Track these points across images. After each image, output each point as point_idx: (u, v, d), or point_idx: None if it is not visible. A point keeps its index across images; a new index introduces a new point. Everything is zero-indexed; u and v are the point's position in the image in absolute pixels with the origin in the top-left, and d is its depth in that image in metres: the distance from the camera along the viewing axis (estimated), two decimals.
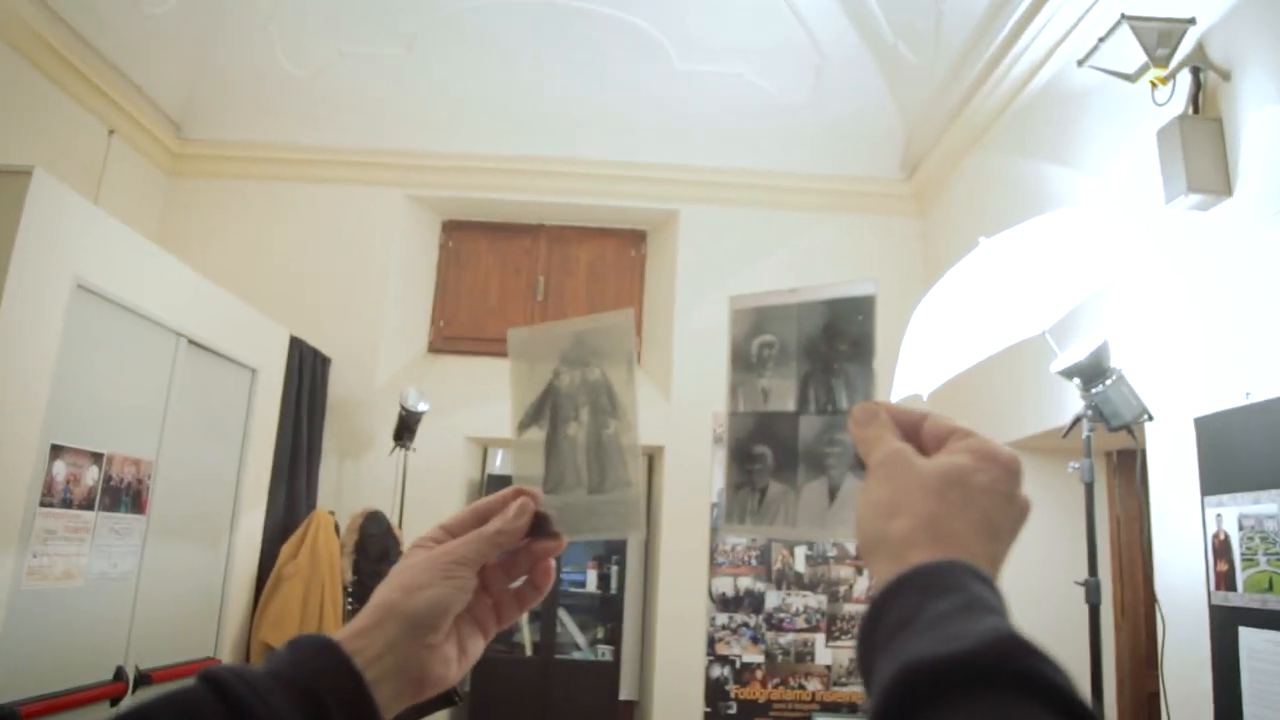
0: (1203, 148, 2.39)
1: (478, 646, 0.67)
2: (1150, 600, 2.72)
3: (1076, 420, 2.38)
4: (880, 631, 0.47)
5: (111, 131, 4.23)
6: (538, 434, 0.70)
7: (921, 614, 0.45)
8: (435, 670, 0.61)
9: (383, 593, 0.61)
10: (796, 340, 0.64)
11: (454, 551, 0.63)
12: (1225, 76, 2.40)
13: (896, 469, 0.54)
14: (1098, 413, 2.28)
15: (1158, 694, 2.49)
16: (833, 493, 0.61)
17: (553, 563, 0.70)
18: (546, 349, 0.70)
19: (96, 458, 2.80)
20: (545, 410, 0.70)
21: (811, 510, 0.62)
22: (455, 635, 0.64)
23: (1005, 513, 0.52)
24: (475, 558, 0.63)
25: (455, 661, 0.64)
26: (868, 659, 0.48)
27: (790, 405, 0.64)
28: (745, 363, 0.66)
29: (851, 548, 4.40)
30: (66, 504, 2.67)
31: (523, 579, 0.69)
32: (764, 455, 0.64)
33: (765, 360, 0.65)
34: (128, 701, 2.90)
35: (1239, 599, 2.16)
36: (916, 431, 0.58)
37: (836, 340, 0.62)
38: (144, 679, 3.00)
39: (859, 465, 0.59)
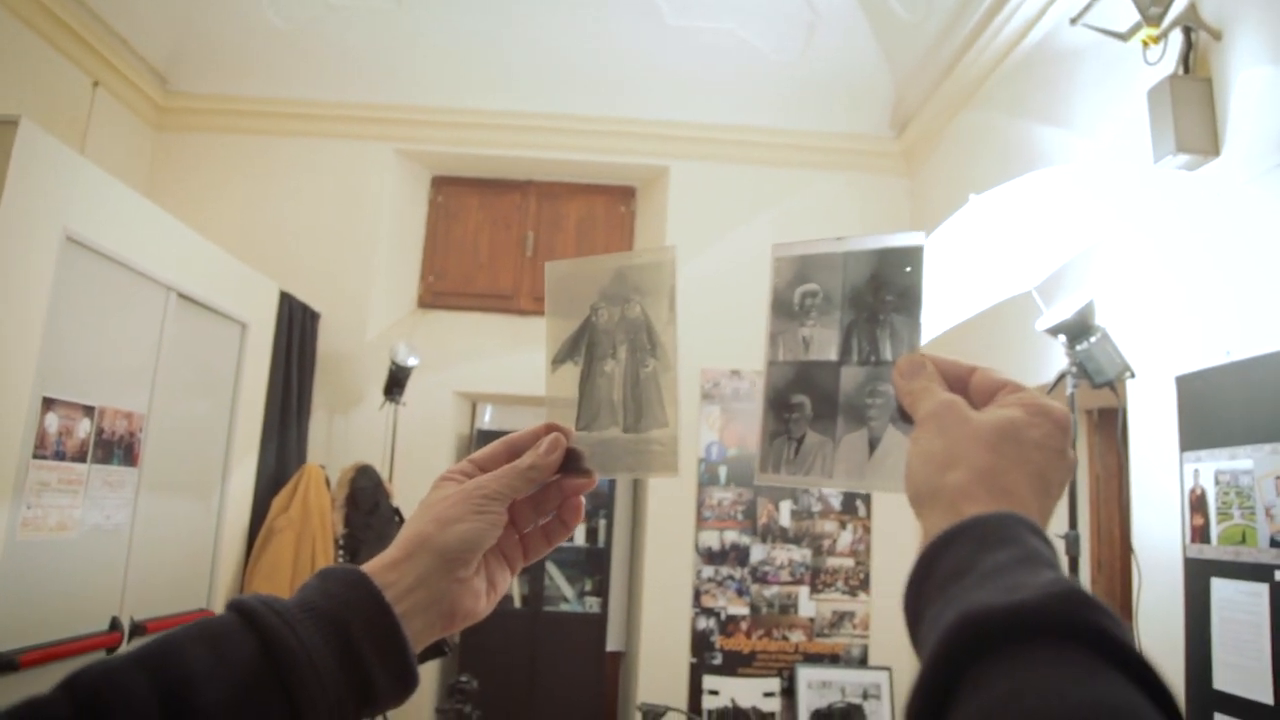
0: (1192, 108, 2.40)
1: (505, 581, 0.66)
2: (1126, 554, 2.78)
3: (1061, 377, 2.42)
4: (932, 580, 0.47)
5: (96, 84, 4.17)
6: (572, 369, 0.69)
7: (978, 564, 0.45)
8: (466, 604, 0.61)
9: (415, 525, 0.60)
10: (841, 289, 0.63)
11: (486, 486, 0.62)
12: (1216, 36, 2.41)
13: (950, 421, 0.54)
14: (1082, 369, 2.32)
15: None
16: (873, 444, 0.61)
17: (583, 499, 0.69)
18: (585, 284, 0.68)
19: (89, 410, 2.81)
20: (581, 346, 0.68)
21: (850, 461, 0.61)
22: (484, 569, 0.64)
23: (1056, 468, 0.52)
24: (507, 492, 0.62)
25: (485, 595, 0.64)
26: (916, 607, 0.48)
27: (832, 355, 0.63)
28: (787, 311, 0.65)
29: (809, 558, 4.45)
30: (59, 456, 2.68)
31: (551, 515, 0.69)
32: (802, 404, 0.64)
33: (808, 309, 0.64)
34: (123, 650, 2.93)
35: (1213, 551, 2.22)
36: (964, 384, 0.57)
37: (883, 290, 0.62)
38: (139, 629, 3.04)
39: (901, 417, 0.59)
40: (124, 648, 2.91)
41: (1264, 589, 2.04)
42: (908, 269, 0.61)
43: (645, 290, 0.67)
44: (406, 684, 0.55)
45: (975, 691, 0.38)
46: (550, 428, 0.66)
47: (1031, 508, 0.50)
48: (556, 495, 0.68)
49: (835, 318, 0.63)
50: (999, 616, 0.40)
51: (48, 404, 2.63)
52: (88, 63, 4.10)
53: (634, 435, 0.66)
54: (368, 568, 0.57)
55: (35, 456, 2.58)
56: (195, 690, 0.47)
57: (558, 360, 0.69)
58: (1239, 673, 2.08)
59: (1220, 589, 2.18)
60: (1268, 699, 1.99)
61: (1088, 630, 0.39)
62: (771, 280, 0.65)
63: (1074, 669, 0.38)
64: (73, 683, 0.46)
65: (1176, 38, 2.51)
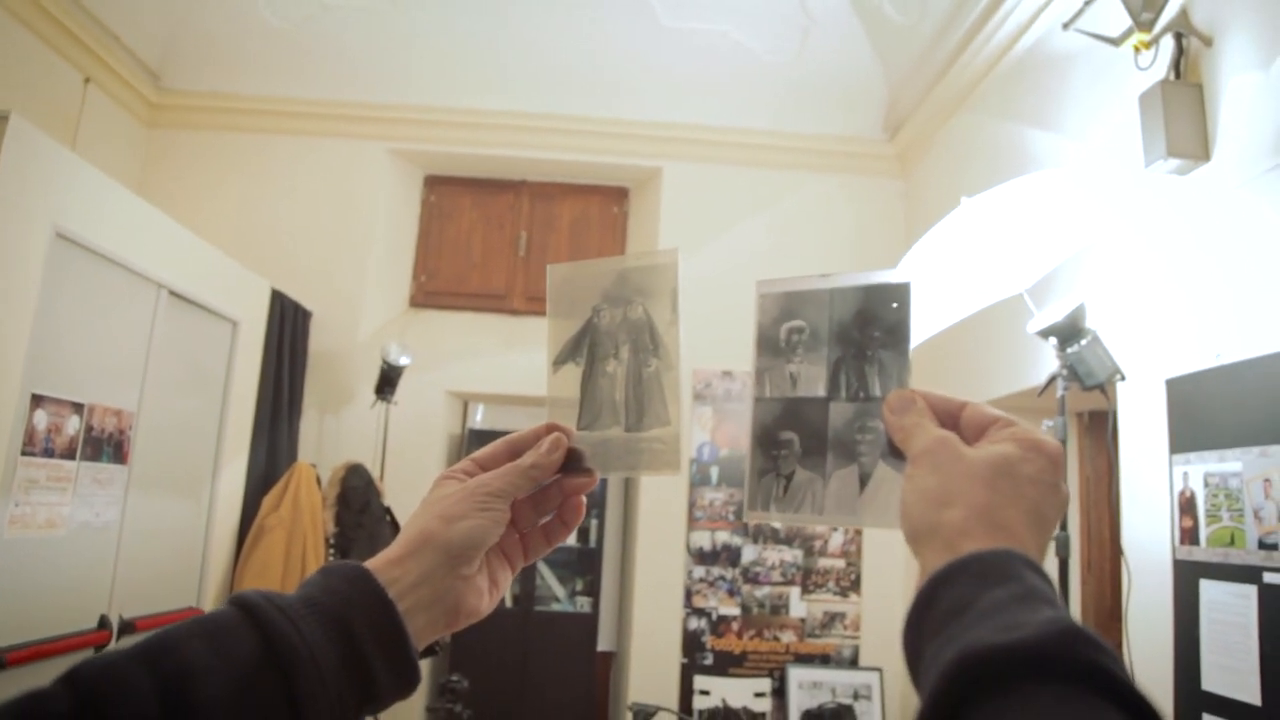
0: (1183, 112, 2.42)
1: (506, 580, 0.67)
2: (1116, 557, 2.80)
3: (1051, 379, 2.43)
4: (932, 617, 0.47)
5: (87, 80, 4.15)
6: (574, 370, 0.69)
7: (978, 601, 0.45)
8: (469, 601, 0.61)
9: (418, 522, 0.60)
10: (828, 325, 0.63)
11: (489, 484, 0.62)
12: (1208, 42, 2.42)
13: (944, 458, 0.54)
14: (1072, 372, 2.33)
15: (1120, 646, 2.57)
16: (863, 480, 0.61)
17: (583, 499, 0.70)
18: (587, 286, 0.69)
19: (78, 408, 2.80)
20: (583, 347, 0.69)
21: (841, 497, 0.61)
22: (486, 568, 0.64)
23: (1050, 503, 0.53)
24: (510, 490, 0.62)
25: (487, 593, 0.64)
26: (916, 644, 0.48)
27: (820, 391, 0.63)
28: (773, 348, 0.65)
29: (800, 559, 4.46)
30: (48, 454, 2.67)
31: (551, 515, 0.69)
32: (790, 441, 0.63)
33: (794, 345, 0.64)
34: (112, 648, 2.92)
35: (1202, 553, 2.23)
36: (955, 419, 0.57)
37: (870, 326, 0.62)
38: (128, 627, 3.03)
39: (891, 453, 0.59)
40: (113, 646, 2.90)
41: (1252, 590, 2.05)
42: (895, 305, 0.61)
43: (648, 291, 0.67)
44: (409, 681, 0.55)
45: None
46: (551, 427, 0.66)
47: (1028, 543, 0.50)
48: (557, 495, 0.68)
49: (822, 354, 0.63)
50: (998, 656, 0.40)
51: (36, 401, 2.61)
52: (79, 59, 4.09)
53: (635, 434, 0.67)
54: (371, 564, 0.57)
55: (24, 453, 2.57)
56: (195, 684, 0.46)
57: (559, 361, 0.70)
58: (1227, 674, 2.09)
59: (1209, 590, 2.19)
60: (1255, 700, 2.00)
61: (1087, 669, 0.39)
62: (756, 317, 0.66)
63: (1073, 709, 0.38)
64: (73, 676, 0.46)
65: (1168, 43, 2.52)
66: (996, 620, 0.43)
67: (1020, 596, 0.44)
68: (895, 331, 0.61)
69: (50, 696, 0.44)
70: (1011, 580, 0.46)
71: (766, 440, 0.64)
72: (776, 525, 4.46)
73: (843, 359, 0.63)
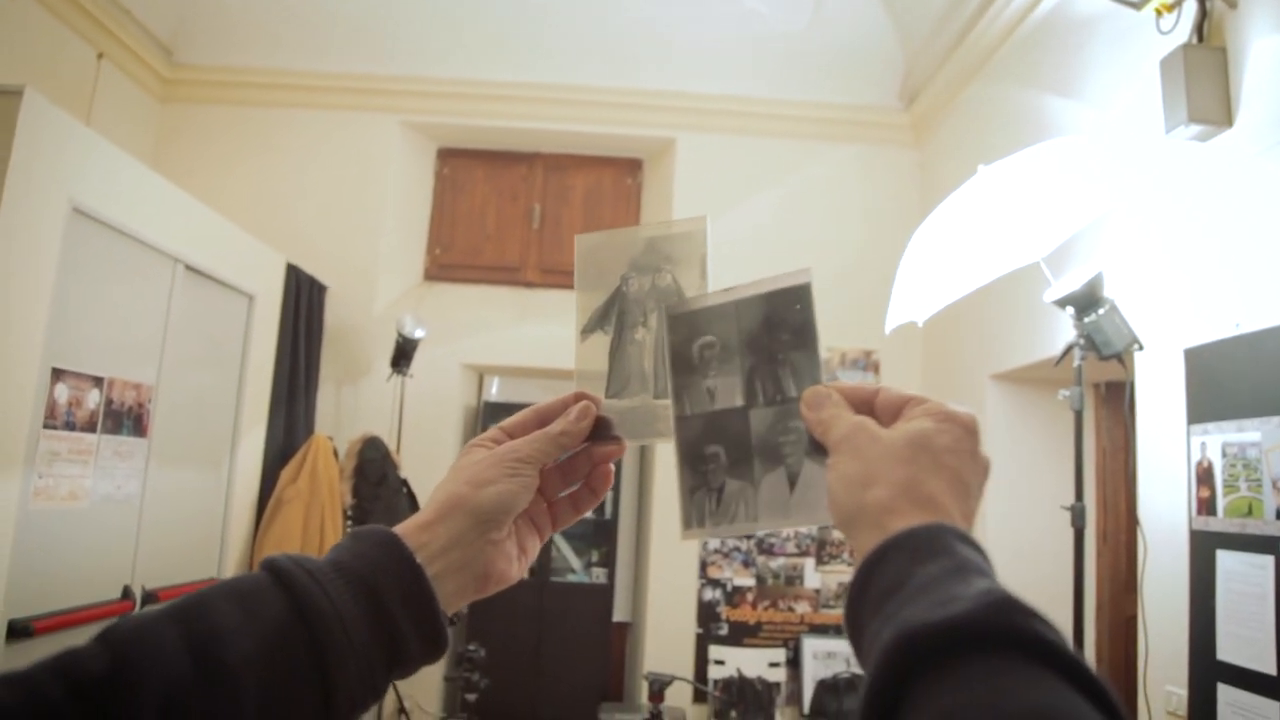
0: (1205, 77, 2.38)
1: (535, 547, 0.67)
2: (1132, 528, 2.79)
3: (1069, 349, 2.41)
4: (868, 598, 0.47)
5: (100, 55, 4.16)
6: (602, 339, 0.69)
7: (911, 578, 0.45)
8: (499, 566, 0.61)
9: (448, 487, 0.61)
10: (737, 336, 0.64)
11: (518, 450, 0.62)
12: (1232, 4, 2.38)
13: (862, 441, 0.55)
14: (1090, 342, 2.32)
15: (1135, 618, 2.57)
16: (792, 480, 0.61)
17: (611, 467, 0.69)
18: (616, 254, 0.69)
19: (97, 381, 2.82)
20: (612, 315, 0.69)
21: (773, 500, 0.62)
22: (514, 535, 0.64)
23: (972, 470, 0.53)
24: (539, 457, 0.63)
25: (516, 560, 0.64)
26: (857, 625, 0.48)
27: (738, 401, 0.64)
28: (687, 366, 0.66)
29: (815, 530, 4.46)
30: (69, 427, 2.70)
31: (578, 484, 0.69)
32: (717, 454, 0.64)
33: (708, 360, 0.65)
34: None
35: (1219, 524, 2.23)
36: (870, 406, 0.58)
37: (778, 331, 0.63)
38: (150, 598, 3.08)
39: (816, 450, 0.60)
40: None
41: (1269, 561, 2.04)
42: (798, 306, 0.62)
43: (677, 259, 0.67)
44: (437, 645, 0.55)
45: (914, 713, 0.39)
46: (579, 395, 0.66)
47: (954, 514, 0.51)
48: (585, 463, 0.68)
49: (735, 364, 0.64)
50: (935, 632, 0.40)
51: (57, 375, 2.64)
52: (92, 35, 4.08)
53: (664, 401, 0.66)
54: (400, 529, 0.57)
55: (45, 427, 2.60)
56: (225, 644, 0.47)
57: (588, 330, 0.69)
58: (1243, 643, 2.09)
59: (1225, 561, 2.19)
60: (1271, 670, 2.00)
61: (1022, 637, 0.40)
62: (667, 339, 0.66)
63: (1011, 679, 0.38)
64: (108, 635, 0.47)
65: (1191, 6, 2.48)
66: (931, 596, 0.43)
67: (953, 570, 0.45)
68: (802, 332, 0.62)
69: (87, 655, 0.45)
70: (944, 554, 0.46)
71: (693, 457, 0.65)
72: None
73: (755, 366, 0.63)
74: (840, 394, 0.59)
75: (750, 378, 0.64)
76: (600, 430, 0.67)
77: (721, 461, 0.64)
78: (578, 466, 0.68)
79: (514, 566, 0.63)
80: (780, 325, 0.63)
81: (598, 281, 0.69)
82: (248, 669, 0.47)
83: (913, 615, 0.42)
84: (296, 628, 0.49)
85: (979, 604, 0.41)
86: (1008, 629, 0.40)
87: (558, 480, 0.68)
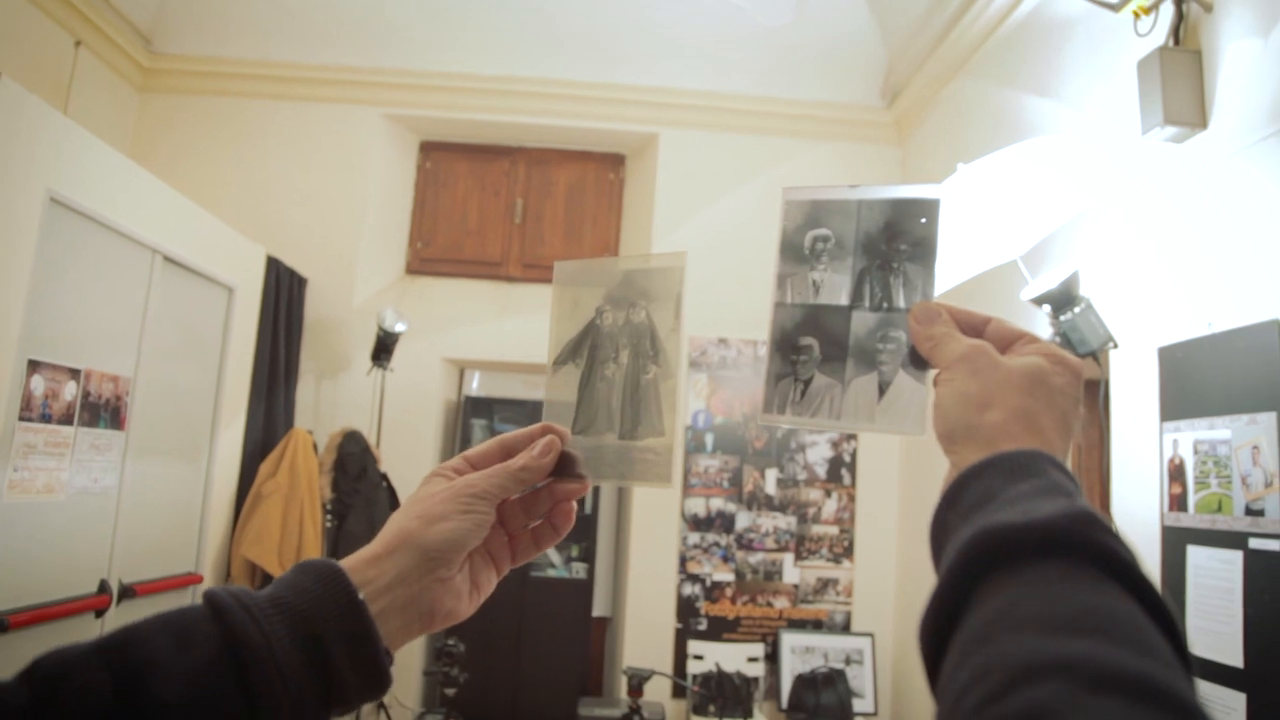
0: (1181, 79, 2.41)
1: (490, 582, 0.65)
2: None
3: None
4: (959, 508, 0.49)
5: (78, 44, 4.11)
6: (573, 371, 0.68)
7: (1003, 493, 0.47)
8: (446, 604, 0.60)
9: (399, 521, 0.59)
10: (854, 236, 0.64)
11: (475, 485, 0.61)
12: (1207, 8, 2.41)
13: (983, 364, 0.56)
14: (1066, 340, 2.35)
15: None
16: (883, 387, 0.62)
17: (574, 505, 0.68)
18: (592, 285, 0.68)
19: (74, 373, 2.80)
20: (584, 348, 0.68)
21: (860, 404, 0.62)
22: (468, 569, 0.63)
23: (1074, 414, 0.56)
24: (496, 492, 0.61)
25: (467, 596, 0.62)
26: (942, 532, 0.50)
27: (843, 299, 0.64)
28: (796, 254, 0.65)
29: (794, 526, 4.50)
30: (45, 419, 2.68)
31: (541, 519, 0.68)
32: (810, 347, 0.64)
33: (819, 253, 0.65)
34: (112, 613, 2.95)
35: (1190, 519, 2.26)
36: (979, 333, 0.59)
37: (897, 239, 0.62)
38: (127, 592, 3.05)
39: (914, 362, 0.60)
40: (113, 610, 2.94)
41: (1237, 556, 2.08)
42: (923, 220, 0.62)
43: (652, 296, 0.66)
44: (377, 685, 0.54)
45: (981, 603, 0.41)
46: (546, 429, 0.65)
47: (1058, 448, 0.53)
48: (548, 499, 0.67)
49: (847, 263, 0.64)
50: (1012, 533, 0.42)
51: (33, 366, 2.62)
52: (70, 22, 4.04)
53: (630, 442, 0.66)
54: (347, 563, 0.56)
55: (21, 419, 2.58)
56: (152, 680, 0.47)
57: (559, 361, 0.69)
58: (1212, 637, 2.13)
59: (1195, 556, 2.22)
60: (1238, 663, 2.03)
61: (1094, 548, 0.42)
62: (781, 223, 0.66)
63: (1076, 584, 0.40)
64: (32, 671, 0.46)
65: (1168, 9, 2.51)
66: (1017, 507, 0.45)
67: (1043, 490, 0.47)
68: (923, 245, 0.62)
69: (8, 692, 0.45)
70: (1037, 475, 0.48)
71: (785, 345, 0.65)
72: (770, 492, 4.49)
73: (868, 269, 0.63)
74: (950, 314, 0.60)
75: (860, 279, 0.64)
76: (565, 466, 0.65)
77: (815, 355, 0.64)
78: (540, 501, 0.67)
79: (463, 604, 0.62)
80: (901, 234, 0.63)
81: (572, 312, 0.69)
82: (173, 707, 0.46)
83: (995, 519, 0.44)
84: (228, 664, 0.49)
85: (1060, 513, 0.43)
86: (1083, 540, 0.42)
87: (520, 514, 0.67)
